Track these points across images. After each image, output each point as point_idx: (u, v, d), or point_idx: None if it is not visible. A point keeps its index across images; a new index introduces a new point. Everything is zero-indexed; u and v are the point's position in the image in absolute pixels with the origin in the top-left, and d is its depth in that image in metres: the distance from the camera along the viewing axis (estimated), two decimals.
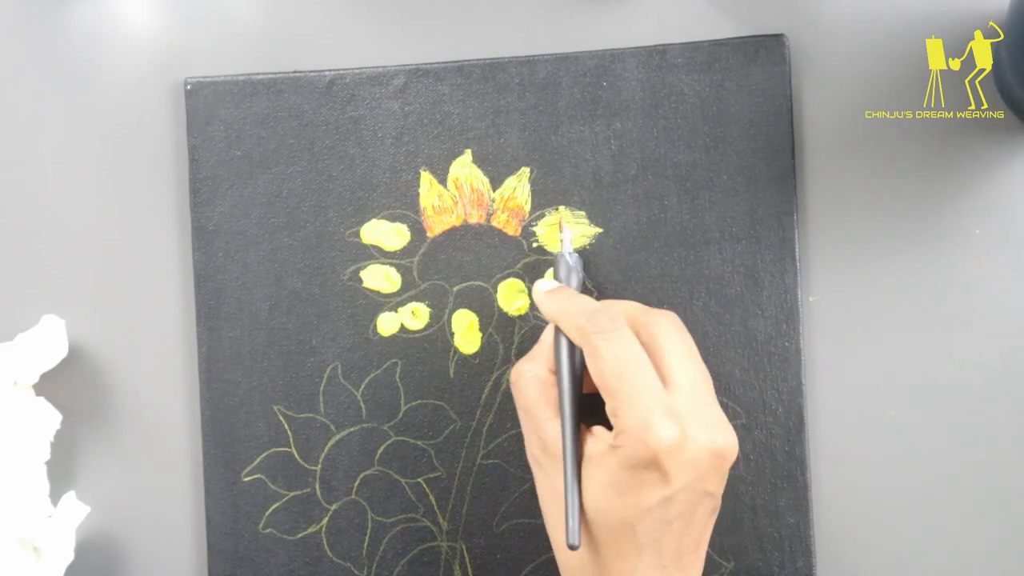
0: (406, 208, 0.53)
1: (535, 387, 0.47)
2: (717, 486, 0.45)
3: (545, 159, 0.53)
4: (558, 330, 0.48)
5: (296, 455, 0.53)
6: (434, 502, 0.53)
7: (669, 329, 0.46)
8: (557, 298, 0.48)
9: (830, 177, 0.52)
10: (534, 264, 0.53)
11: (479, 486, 0.53)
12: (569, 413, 0.46)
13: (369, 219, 0.53)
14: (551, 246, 0.53)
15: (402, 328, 0.53)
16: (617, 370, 0.44)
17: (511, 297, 0.53)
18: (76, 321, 0.55)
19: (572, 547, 0.44)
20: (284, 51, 0.55)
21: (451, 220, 0.53)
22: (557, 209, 0.52)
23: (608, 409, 0.45)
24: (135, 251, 0.55)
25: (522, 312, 0.53)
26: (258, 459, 0.53)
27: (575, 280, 0.50)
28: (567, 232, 0.51)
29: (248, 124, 0.54)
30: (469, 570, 0.53)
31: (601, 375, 0.45)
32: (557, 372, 0.47)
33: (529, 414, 0.47)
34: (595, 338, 0.45)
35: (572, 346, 0.47)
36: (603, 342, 0.45)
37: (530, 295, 0.53)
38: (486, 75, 0.53)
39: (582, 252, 0.52)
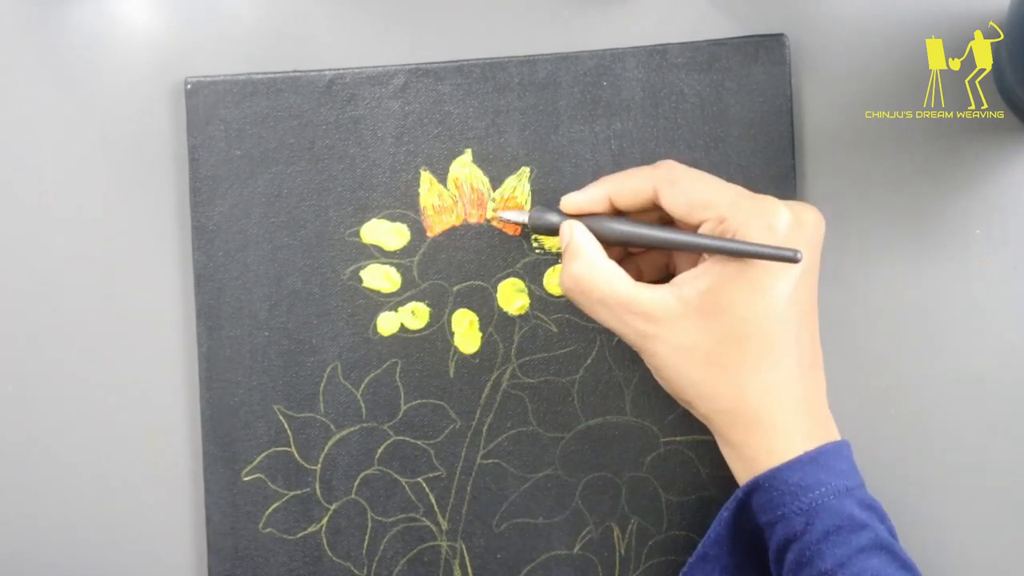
0: (406, 208, 0.53)
1: (602, 274, 0.46)
2: (819, 256, 0.46)
3: (545, 159, 0.53)
4: (592, 219, 0.48)
5: (296, 455, 0.53)
6: (434, 502, 0.53)
7: (682, 168, 0.48)
8: (599, 185, 0.49)
9: (830, 177, 0.52)
10: (534, 264, 0.53)
11: (479, 486, 0.53)
12: (667, 229, 0.47)
13: (369, 219, 0.53)
14: (550, 246, 0.53)
15: (402, 328, 0.53)
16: (705, 183, 0.46)
17: (511, 297, 0.53)
18: (76, 320, 0.55)
19: (797, 259, 0.43)
20: (284, 51, 0.55)
21: (451, 220, 0.53)
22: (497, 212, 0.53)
23: (708, 229, 0.45)
24: (135, 251, 0.55)
25: (522, 312, 0.53)
26: (258, 459, 0.53)
27: (558, 215, 0.50)
28: (508, 214, 0.52)
29: (248, 124, 0.54)
30: (469, 570, 0.53)
31: (694, 195, 0.46)
32: (622, 233, 0.48)
33: (612, 300, 0.46)
34: (673, 170, 0.47)
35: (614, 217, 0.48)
36: (678, 168, 0.47)
37: (531, 294, 0.53)
38: (486, 75, 0.53)
39: None
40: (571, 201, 0.49)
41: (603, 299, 0.46)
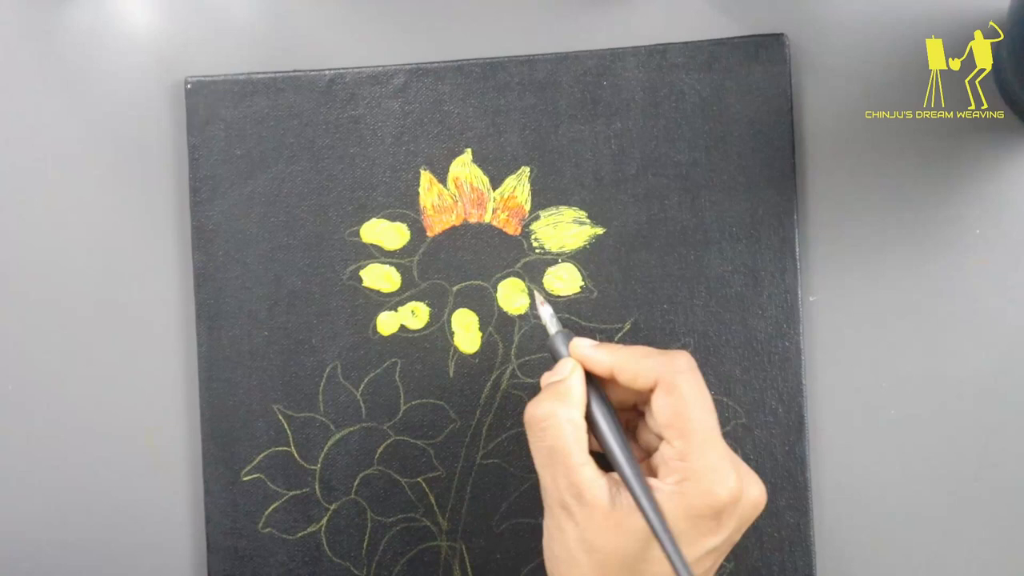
0: (406, 207, 0.53)
1: (570, 430, 0.44)
2: (739, 535, 0.45)
3: (545, 159, 0.53)
4: (592, 380, 0.46)
5: (296, 455, 0.53)
6: (434, 502, 0.53)
7: (689, 378, 0.45)
8: (609, 350, 0.46)
9: (830, 177, 0.52)
10: (534, 263, 0.53)
11: (479, 486, 0.53)
12: (631, 458, 0.44)
13: (369, 218, 0.53)
14: (550, 246, 0.53)
15: (402, 328, 0.53)
16: (694, 413, 0.44)
17: (511, 296, 0.53)
18: (76, 320, 0.55)
19: None
20: (284, 51, 0.55)
21: (451, 219, 0.53)
22: (534, 290, 0.52)
23: (667, 453, 0.44)
24: (135, 251, 0.55)
25: (522, 311, 0.53)
26: (258, 458, 0.53)
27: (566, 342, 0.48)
28: (546, 310, 0.49)
29: (248, 123, 0.54)
30: (469, 570, 0.53)
31: (678, 416, 0.43)
32: (596, 419, 0.45)
33: (562, 457, 0.44)
34: (679, 377, 0.44)
35: (604, 395, 0.46)
36: (685, 383, 0.44)
37: (532, 301, 0.53)
38: (486, 75, 0.53)
39: (580, 253, 0.52)
40: (578, 349, 0.47)
41: (554, 450, 0.44)
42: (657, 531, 0.42)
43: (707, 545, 0.43)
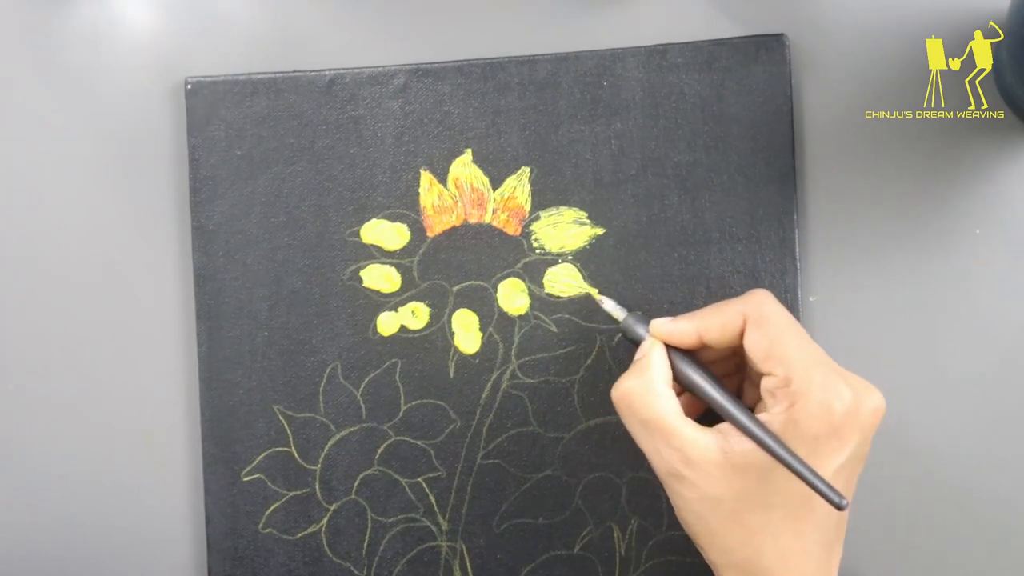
0: (406, 208, 0.53)
1: (656, 399, 0.45)
2: (868, 447, 0.45)
3: (545, 159, 0.53)
4: (672, 351, 0.47)
5: (296, 455, 0.53)
6: (434, 502, 0.53)
7: (774, 307, 0.45)
8: (688, 317, 0.47)
9: (830, 177, 0.52)
10: (534, 264, 0.53)
11: (479, 486, 0.53)
12: (733, 401, 0.44)
13: (369, 219, 0.53)
14: (551, 246, 0.53)
15: (402, 328, 0.53)
16: (788, 337, 0.44)
17: (511, 297, 0.53)
18: (76, 320, 0.55)
19: (843, 506, 0.41)
20: (284, 51, 0.55)
21: (451, 220, 0.53)
22: (595, 293, 0.52)
23: (771, 384, 0.44)
24: (135, 251, 0.55)
25: (522, 312, 0.53)
26: (258, 459, 0.53)
27: (647, 321, 0.48)
28: (609, 302, 0.50)
29: (248, 124, 0.54)
30: (469, 570, 0.53)
31: (774, 344, 0.44)
32: (692, 380, 0.46)
33: (657, 426, 0.44)
34: (765, 308, 0.45)
35: (694, 359, 0.47)
36: (773, 312, 0.45)
37: (531, 294, 0.53)
38: (486, 75, 0.53)
39: (580, 253, 0.52)
40: (659, 328, 0.47)
41: (647, 422, 0.45)
42: (784, 458, 0.42)
43: (834, 463, 0.43)
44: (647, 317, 0.48)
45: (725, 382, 0.48)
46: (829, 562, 0.45)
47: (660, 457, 0.45)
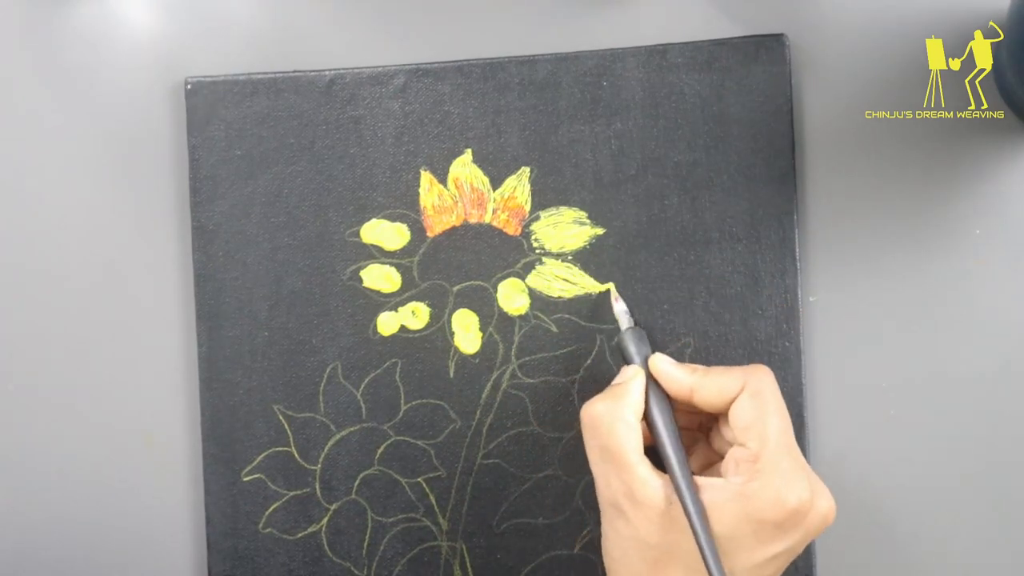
0: (406, 208, 0.53)
1: (624, 429, 0.45)
2: (803, 547, 0.45)
3: (545, 159, 0.53)
4: (652, 386, 0.47)
5: (296, 455, 0.53)
6: (434, 502, 0.53)
7: (773, 388, 0.46)
8: (691, 370, 0.47)
9: (830, 177, 0.52)
10: (534, 264, 0.53)
11: (479, 486, 0.53)
12: (682, 460, 0.44)
13: (369, 219, 0.53)
14: (551, 246, 0.53)
15: (402, 328, 0.53)
16: (773, 419, 0.44)
17: (511, 297, 0.53)
18: (76, 320, 0.55)
19: None
20: (284, 51, 0.55)
21: (451, 220, 0.53)
22: (608, 286, 0.52)
23: (740, 454, 0.44)
24: (135, 251, 0.55)
25: (522, 312, 0.53)
26: (258, 459, 0.53)
27: (648, 347, 0.49)
28: (620, 306, 0.51)
29: (248, 124, 0.54)
30: (469, 570, 0.53)
31: (759, 419, 0.44)
32: (655, 422, 0.46)
33: (615, 456, 0.45)
34: (764, 383, 0.45)
35: (668, 403, 0.47)
36: (769, 389, 0.45)
37: (531, 293, 0.53)
38: (486, 75, 0.53)
39: (580, 253, 0.52)
40: (656, 365, 0.47)
41: (606, 449, 0.45)
42: (696, 534, 0.42)
43: (768, 552, 0.43)
44: (647, 338, 0.49)
45: (686, 425, 0.49)
46: None
47: (608, 486, 0.45)
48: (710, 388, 0.46)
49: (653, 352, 0.48)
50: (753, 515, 0.43)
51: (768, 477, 0.43)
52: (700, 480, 0.44)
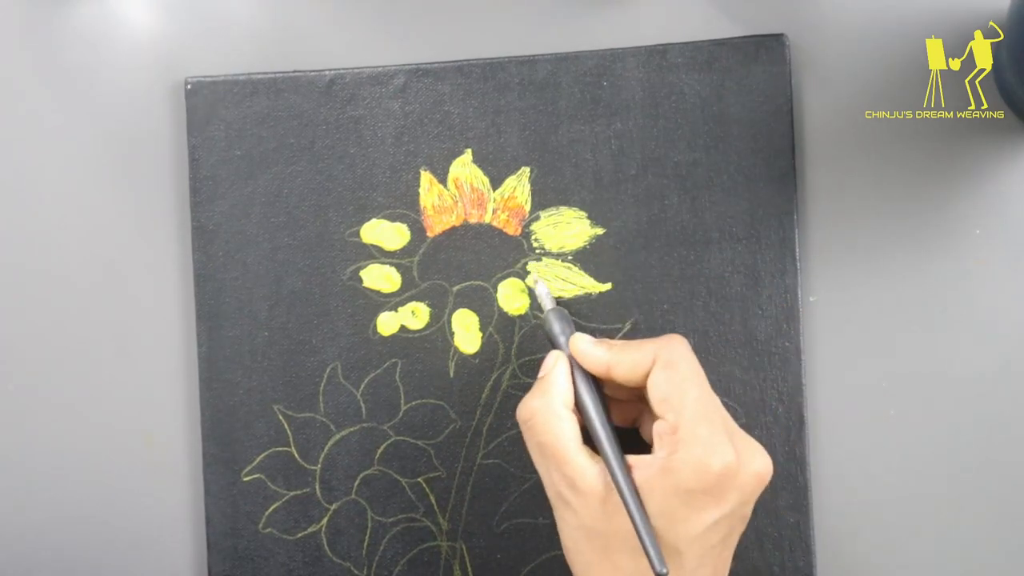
0: (406, 208, 0.53)
1: (555, 422, 0.45)
2: (750, 509, 0.45)
3: (545, 159, 0.53)
4: (576, 367, 0.47)
5: (296, 455, 0.53)
6: (434, 502, 0.53)
7: (687, 357, 0.46)
8: (607, 347, 0.47)
9: (830, 177, 0.52)
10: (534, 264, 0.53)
11: (479, 486, 0.53)
12: (612, 444, 0.45)
13: (369, 219, 0.53)
14: (551, 246, 0.53)
15: (402, 328, 0.53)
16: (688, 387, 0.44)
17: (511, 297, 0.53)
18: (76, 320, 0.55)
19: (662, 574, 0.41)
20: (284, 51, 0.55)
21: (451, 220, 0.53)
22: (528, 272, 0.52)
23: (660, 428, 0.44)
24: (135, 251, 0.55)
25: (522, 312, 0.53)
26: (258, 459, 0.53)
27: (571, 327, 0.49)
28: (542, 287, 0.51)
29: (248, 124, 0.54)
30: (469, 570, 0.53)
31: (674, 390, 0.44)
32: (584, 406, 0.46)
33: (551, 450, 0.45)
34: (676, 354, 0.45)
35: (594, 381, 0.47)
36: (682, 359, 0.45)
37: (531, 293, 0.53)
38: (486, 75, 0.53)
39: (580, 253, 0.52)
40: (575, 345, 0.47)
41: (543, 445, 0.45)
42: (629, 509, 0.42)
43: (705, 520, 0.43)
44: (569, 320, 0.49)
45: (626, 407, 0.49)
46: None
47: (550, 479, 0.45)
48: (625, 363, 0.46)
49: (574, 332, 0.49)
50: (681, 486, 0.43)
51: (688, 447, 0.43)
52: (631, 459, 0.44)
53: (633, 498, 0.43)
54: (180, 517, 0.54)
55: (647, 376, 0.45)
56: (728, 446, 0.43)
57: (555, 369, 0.47)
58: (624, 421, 0.49)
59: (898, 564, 0.52)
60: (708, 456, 0.42)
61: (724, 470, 0.42)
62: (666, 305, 0.52)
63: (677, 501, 0.43)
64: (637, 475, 0.44)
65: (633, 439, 0.48)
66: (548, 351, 0.49)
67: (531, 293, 0.52)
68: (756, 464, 0.44)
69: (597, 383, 0.47)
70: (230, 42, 0.55)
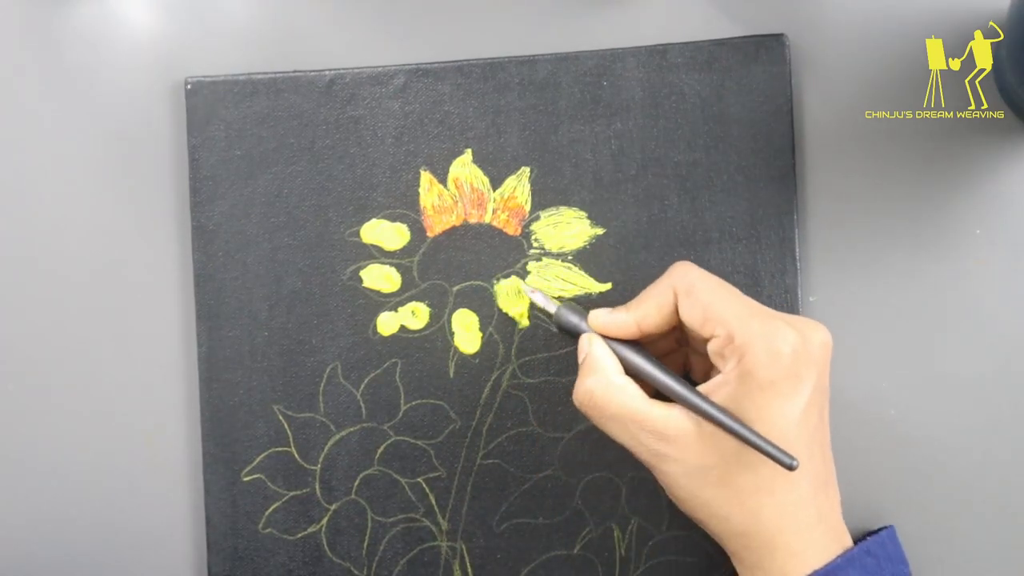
0: (406, 208, 0.53)
1: (615, 391, 0.46)
2: (828, 379, 0.45)
3: (545, 159, 0.53)
4: (609, 340, 0.47)
5: (296, 455, 0.53)
6: (434, 502, 0.53)
7: (700, 275, 0.46)
8: (626, 308, 0.48)
9: (830, 177, 0.52)
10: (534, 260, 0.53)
11: (479, 486, 0.53)
12: (680, 382, 0.45)
13: (369, 219, 0.53)
14: (550, 246, 0.53)
15: (402, 328, 0.53)
16: (719, 297, 0.45)
17: (511, 297, 0.53)
18: (76, 320, 0.55)
19: (794, 467, 0.41)
20: (284, 51, 0.55)
21: (451, 220, 0.53)
22: (516, 280, 0.53)
23: (716, 345, 0.44)
24: (135, 251, 0.55)
25: (523, 313, 0.53)
26: (258, 459, 0.53)
27: (584, 310, 0.49)
28: (539, 297, 0.51)
29: (248, 124, 0.54)
30: (469, 570, 0.53)
31: (707, 307, 0.44)
32: (636, 365, 0.47)
33: (626, 416, 0.45)
34: (689, 277, 0.46)
35: (632, 344, 0.47)
36: (698, 279, 0.45)
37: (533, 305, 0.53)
38: (486, 75, 0.53)
39: (580, 253, 0.52)
40: (597, 320, 0.48)
41: (616, 416, 0.45)
42: (731, 427, 0.43)
43: (798, 404, 0.43)
44: (579, 307, 0.49)
45: (670, 360, 0.49)
46: (828, 503, 0.45)
47: (639, 443, 0.45)
48: (650, 313, 0.47)
49: (588, 312, 0.49)
50: (764, 382, 0.43)
51: (751, 345, 0.43)
52: (704, 387, 0.45)
53: (727, 415, 0.43)
54: (180, 517, 0.54)
55: (675, 314, 0.46)
56: (788, 328, 0.44)
57: (593, 347, 0.48)
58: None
59: None
60: (774, 344, 0.43)
61: (794, 351, 0.43)
62: None
63: (766, 398, 0.43)
64: (718, 396, 0.44)
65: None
66: (547, 350, 0.50)
67: (531, 306, 0.52)
68: (819, 335, 0.44)
69: (637, 343, 0.48)
70: (230, 42, 0.55)
